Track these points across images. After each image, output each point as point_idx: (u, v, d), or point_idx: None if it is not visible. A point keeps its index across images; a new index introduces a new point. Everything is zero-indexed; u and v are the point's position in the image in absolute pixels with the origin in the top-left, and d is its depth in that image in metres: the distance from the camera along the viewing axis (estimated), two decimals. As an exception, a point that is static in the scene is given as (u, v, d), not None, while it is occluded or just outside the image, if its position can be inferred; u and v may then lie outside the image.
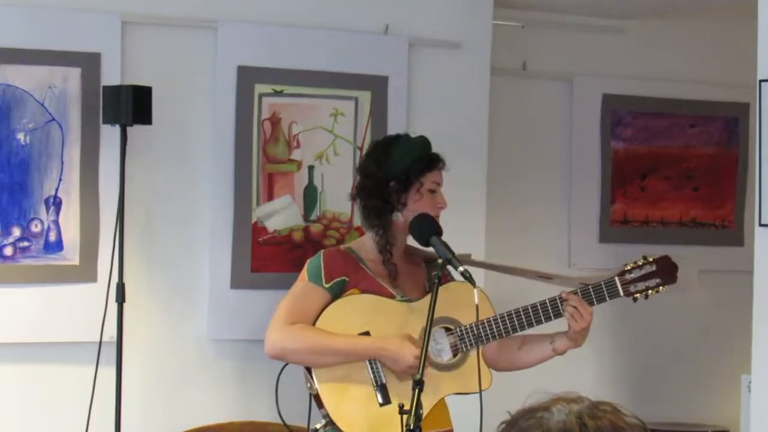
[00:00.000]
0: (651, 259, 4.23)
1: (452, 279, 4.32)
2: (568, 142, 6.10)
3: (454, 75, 5.39)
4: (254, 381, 4.96)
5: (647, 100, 6.21)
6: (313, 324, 4.13)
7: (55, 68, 4.68)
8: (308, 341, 4.09)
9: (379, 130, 5.14)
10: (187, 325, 4.96)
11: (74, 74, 4.71)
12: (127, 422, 4.62)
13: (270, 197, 5.05)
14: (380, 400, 4.13)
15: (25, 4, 4.66)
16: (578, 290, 4.18)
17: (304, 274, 4.20)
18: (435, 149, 5.19)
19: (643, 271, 4.22)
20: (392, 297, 4.19)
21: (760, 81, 4.20)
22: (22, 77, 4.64)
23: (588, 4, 5.90)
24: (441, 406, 4.22)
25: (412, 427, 3.75)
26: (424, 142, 4.33)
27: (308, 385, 4.17)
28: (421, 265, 4.35)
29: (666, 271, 4.24)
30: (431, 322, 3.90)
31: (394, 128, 5.16)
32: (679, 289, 4.38)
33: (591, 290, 4.19)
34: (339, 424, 4.11)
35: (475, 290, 3.86)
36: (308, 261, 4.24)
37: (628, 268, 4.22)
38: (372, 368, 4.14)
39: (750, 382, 4.38)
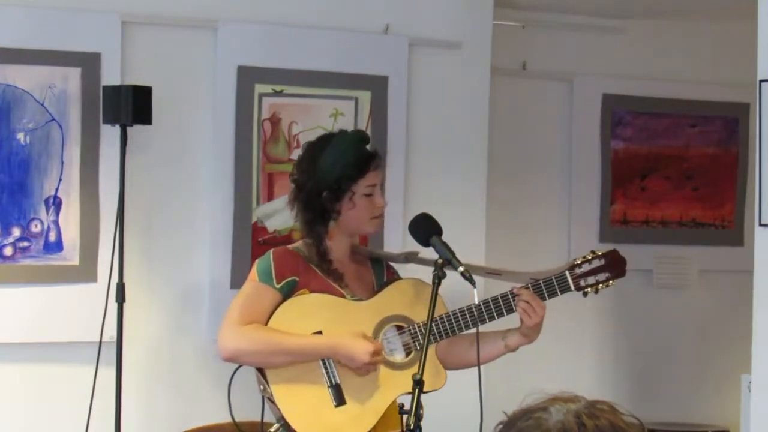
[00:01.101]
0: (600, 254, 4.20)
1: (399, 277, 4.28)
2: (568, 142, 6.09)
3: (454, 75, 5.39)
4: (254, 381, 4.96)
5: (647, 100, 6.20)
6: (265, 325, 4.03)
7: (55, 68, 4.68)
8: (262, 342, 4.00)
9: (380, 130, 5.14)
10: (187, 325, 4.97)
11: (74, 74, 4.71)
12: (127, 422, 4.62)
13: (270, 197, 5.05)
14: (334, 401, 4.05)
15: (25, 4, 4.66)
16: (529, 285, 4.12)
17: (254, 274, 4.08)
18: (435, 149, 5.17)
19: (592, 266, 4.18)
20: (343, 296, 4.11)
21: (760, 81, 4.19)
22: (22, 77, 4.64)
23: (588, 4, 5.90)
24: (394, 407, 4.05)
25: (412, 428, 3.73)
26: (356, 141, 4.13)
27: (261, 387, 4.09)
28: (368, 264, 4.27)
29: (615, 265, 4.21)
30: (431, 320, 3.87)
31: (394, 128, 5.16)
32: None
33: (542, 285, 4.12)
34: (293, 425, 4.02)
35: (475, 290, 3.84)
36: (257, 261, 4.12)
37: (578, 262, 4.19)
38: (326, 368, 4.05)
39: (750, 382, 4.38)
